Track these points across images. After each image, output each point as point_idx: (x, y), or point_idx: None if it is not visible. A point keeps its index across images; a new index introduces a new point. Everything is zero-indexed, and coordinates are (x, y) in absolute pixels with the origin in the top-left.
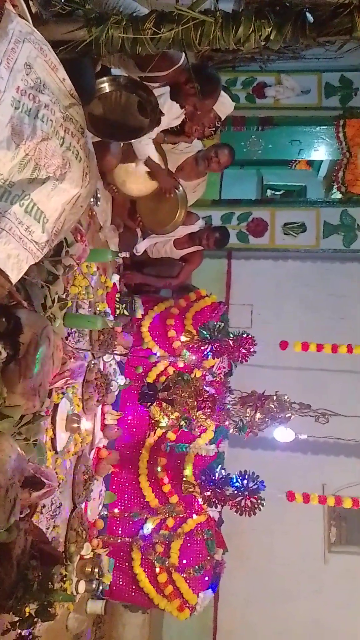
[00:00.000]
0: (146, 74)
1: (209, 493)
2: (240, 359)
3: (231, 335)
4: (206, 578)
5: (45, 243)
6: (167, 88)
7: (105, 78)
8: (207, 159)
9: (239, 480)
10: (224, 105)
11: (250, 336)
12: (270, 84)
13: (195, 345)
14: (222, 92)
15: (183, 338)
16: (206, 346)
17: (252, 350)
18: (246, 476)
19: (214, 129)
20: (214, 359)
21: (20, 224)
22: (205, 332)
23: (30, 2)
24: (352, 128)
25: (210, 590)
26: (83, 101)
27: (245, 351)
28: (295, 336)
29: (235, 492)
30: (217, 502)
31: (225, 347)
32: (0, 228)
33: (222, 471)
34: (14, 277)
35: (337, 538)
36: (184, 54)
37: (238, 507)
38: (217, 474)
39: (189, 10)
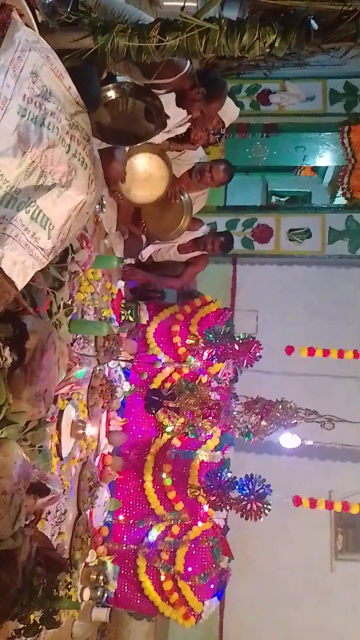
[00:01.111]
0: (152, 81)
1: (214, 497)
2: (245, 363)
3: (237, 339)
4: (212, 586)
5: (51, 249)
6: (173, 95)
7: (110, 85)
8: (201, 173)
9: (245, 483)
10: (229, 111)
11: (256, 340)
12: (274, 90)
13: (201, 351)
14: (227, 98)
15: (189, 342)
16: (211, 350)
17: (258, 354)
18: (252, 480)
19: (218, 135)
20: (219, 363)
21: (26, 231)
22: (211, 336)
23: (37, 11)
24: (357, 134)
25: (215, 598)
26: (89, 108)
27: (251, 355)
28: (301, 342)
29: (242, 496)
30: (222, 505)
31: (230, 351)
32: (7, 235)
33: (229, 474)
34: (20, 284)
35: (343, 545)
36: (189, 61)
37: (244, 511)
38: (223, 478)
39: (194, 18)
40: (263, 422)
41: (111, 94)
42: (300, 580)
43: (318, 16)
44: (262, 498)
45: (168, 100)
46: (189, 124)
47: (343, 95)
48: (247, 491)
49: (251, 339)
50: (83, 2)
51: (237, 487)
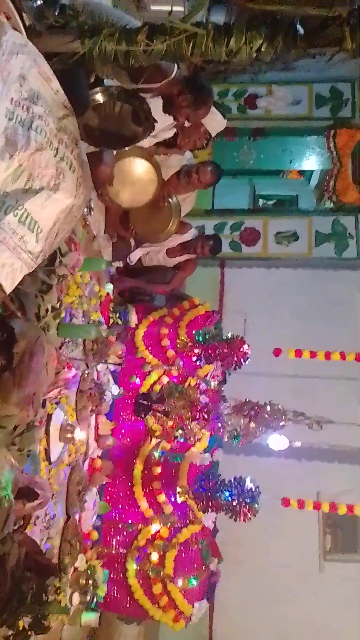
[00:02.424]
0: (139, 85)
1: (202, 502)
2: (234, 365)
3: (225, 338)
4: (201, 588)
5: (39, 253)
6: (160, 99)
7: (98, 89)
8: (188, 175)
9: (233, 485)
10: (215, 122)
11: (243, 339)
12: (261, 94)
13: (189, 353)
14: (214, 109)
15: (178, 345)
16: (200, 351)
17: (246, 356)
18: (241, 482)
19: (205, 141)
20: (208, 364)
21: (14, 234)
22: (199, 337)
23: (24, 15)
24: (342, 138)
25: (205, 600)
26: (77, 112)
27: (240, 356)
28: (289, 344)
29: (230, 499)
30: (211, 509)
31: (219, 352)
32: None
33: (218, 477)
34: (8, 287)
35: (332, 546)
36: (176, 66)
37: (232, 513)
38: (211, 481)
39: (181, 22)
40: (252, 424)
41: (99, 97)
42: (290, 581)
43: (304, 21)
44: (251, 501)
45: (155, 104)
46: (176, 128)
47: (329, 99)
48: (235, 496)
49: (239, 338)
50: (70, 6)
51: (225, 492)
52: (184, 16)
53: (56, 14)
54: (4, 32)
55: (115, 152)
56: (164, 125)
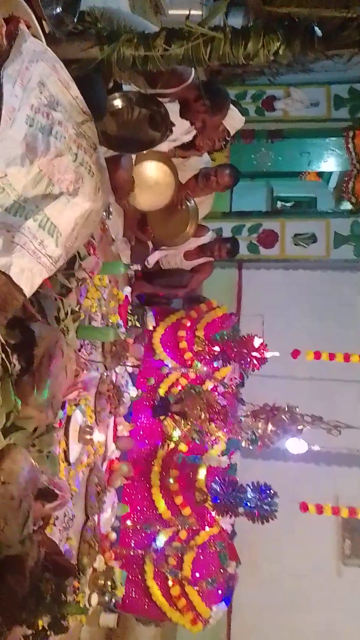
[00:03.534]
0: (156, 90)
1: (219, 507)
2: (252, 365)
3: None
4: (219, 591)
5: (58, 257)
6: (177, 104)
7: (117, 94)
8: (206, 177)
9: (251, 493)
10: (234, 120)
11: (262, 340)
12: (279, 97)
13: (207, 356)
14: (232, 107)
15: (196, 348)
16: (218, 353)
17: (264, 355)
18: (260, 488)
19: (224, 142)
20: (225, 365)
21: (34, 239)
22: (217, 338)
23: (44, 22)
24: None
25: (223, 603)
26: (95, 117)
27: (258, 355)
28: (307, 346)
29: (247, 507)
30: (228, 514)
31: (237, 351)
32: (15, 243)
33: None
34: (28, 291)
35: (351, 550)
36: (193, 71)
37: (250, 517)
38: (227, 485)
39: (199, 26)
40: (270, 427)
41: (117, 102)
42: (308, 585)
43: (321, 23)
44: (269, 509)
45: (173, 109)
46: (195, 132)
47: (347, 100)
48: (253, 501)
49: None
50: (89, 13)
51: (242, 499)
52: (202, 20)
53: (75, 21)
54: (24, 40)
55: (133, 156)
56: (182, 129)
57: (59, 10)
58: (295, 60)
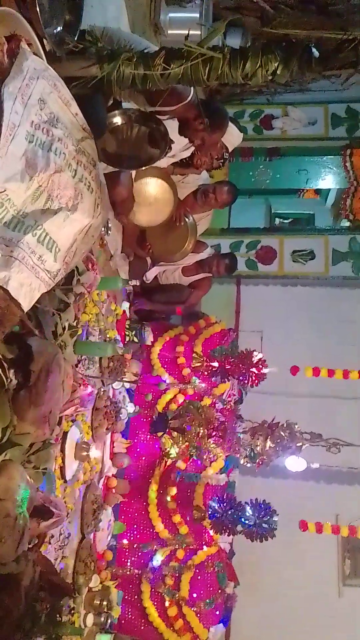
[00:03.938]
0: (156, 108)
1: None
2: (250, 381)
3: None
4: (217, 612)
5: (57, 272)
6: (176, 121)
7: (116, 112)
8: (205, 194)
9: (250, 510)
10: (232, 137)
11: (261, 355)
12: (277, 115)
13: (205, 372)
14: (230, 124)
15: (194, 364)
16: (216, 369)
17: (262, 371)
18: (259, 506)
19: (222, 160)
20: (223, 381)
21: (32, 254)
22: (216, 354)
23: (45, 41)
24: (359, 157)
25: (221, 624)
26: (95, 134)
27: (256, 371)
28: (306, 362)
29: (246, 524)
30: (226, 532)
31: (235, 367)
32: (14, 257)
33: (234, 500)
34: (26, 305)
35: (351, 570)
36: (192, 90)
37: (248, 536)
38: (226, 503)
39: (198, 47)
40: (268, 444)
41: (117, 120)
42: (308, 606)
43: (319, 44)
44: (268, 527)
45: (172, 126)
46: (193, 148)
47: (345, 119)
48: (252, 519)
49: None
50: (90, 32)
51: (241, 517)
52: (201, 40)
53: (76, 39)
54: (25, 58)
55: (133, 172)
56: (181, 145)
57: (59, 29)
58: (292, 80)
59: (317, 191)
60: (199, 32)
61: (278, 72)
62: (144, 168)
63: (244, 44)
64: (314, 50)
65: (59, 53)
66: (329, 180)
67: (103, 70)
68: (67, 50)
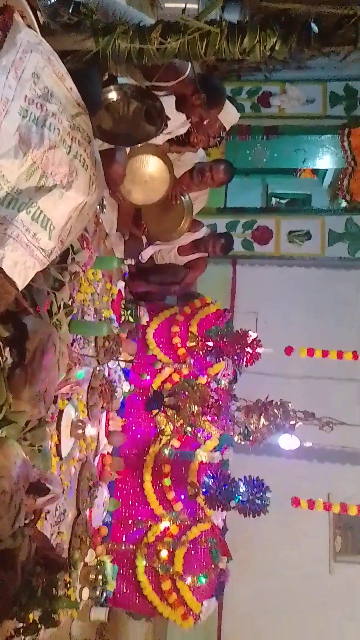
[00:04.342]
0: (152, 83)
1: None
2: (245, 361)
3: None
4: (210, 586)
5: (51, 250)
6: (173, 96)
7: (112, 87)
8: (201, 173)
9: (244, 487)
10: (229, 115)
11: (255, 334)
12: (275, 93)
13: (201, 351)
14: (228, 102)
15: (189, 344)
16: (211, 348)
17: (257, 351)
18: (252, 481)
19: (219, 138)
20: (218, 361)
21: (27, 231)
22: (211, 334)
23: (39, 13)
24: (357, 137)
25: (214, 598)
26: (90, 110)
27: (251, 351)
28: (301, 343)
29: (240, 500)
30: (219, 508)
31: (230, 347)
32: (8, 235)
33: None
34: (20, 284)
35: (342, 547)
36: (190, 65)
37: (242, 511)
38: (219, 479)
39: (195, 20)
40: (262, 421)
41: (112, 95)
42: (299, 582)
43: (318, 20)
44: (261, 503)
45: (169, 102)
46: (190, 125)
47: (343, 98)
48: (245, 495)
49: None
50: (84, 4)
51: (235, 492)
52: (198, 14)
53: (70, 12)
54: (18, 31)
55: (128, 149)
56: (178, 122)
57: (53, 1)
58: (291, 57)
59: (315, 171)
60: (196, 6)
61: (276, 48)
62: (139, 145)
63: (242, 19)
64: (313, 26)
65: (53, 26)
66: (326, 160)
67: (98, 44)
68: (61, 23)
